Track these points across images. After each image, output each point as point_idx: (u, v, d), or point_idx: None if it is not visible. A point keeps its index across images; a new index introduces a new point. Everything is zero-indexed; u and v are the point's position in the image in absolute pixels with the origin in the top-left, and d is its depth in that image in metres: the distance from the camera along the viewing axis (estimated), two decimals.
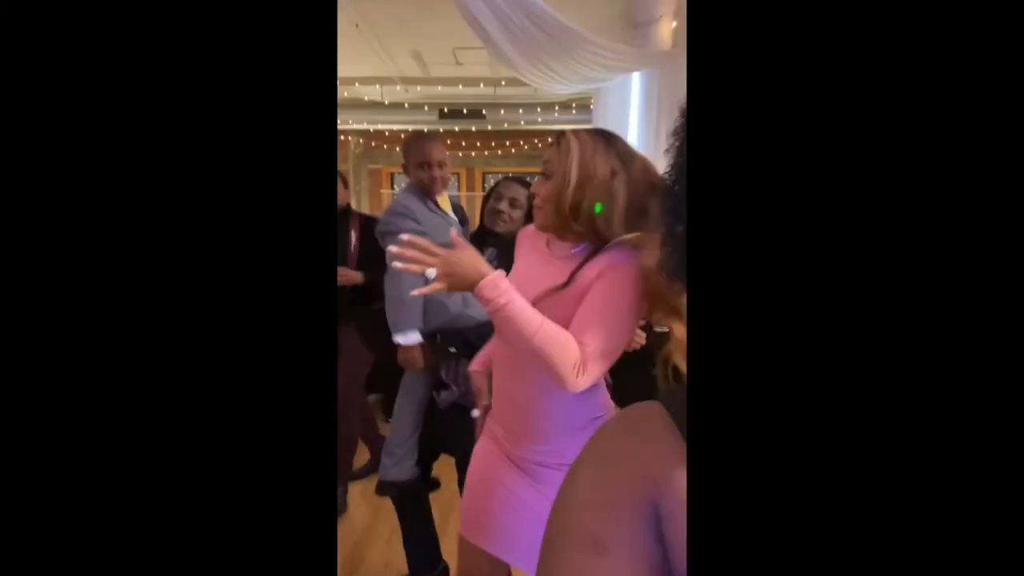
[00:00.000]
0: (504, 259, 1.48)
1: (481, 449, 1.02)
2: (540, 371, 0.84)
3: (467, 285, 0.81)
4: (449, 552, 1.73)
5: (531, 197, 1.48)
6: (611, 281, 0.83)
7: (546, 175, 0.91)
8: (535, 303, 0.87)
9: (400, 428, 1.48)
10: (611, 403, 0.96)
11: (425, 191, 1.46)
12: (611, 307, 0.82)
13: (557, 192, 0.88)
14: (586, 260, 0.87)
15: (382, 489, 1.53)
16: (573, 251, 0.91)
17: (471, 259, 0.83)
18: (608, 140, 0.89)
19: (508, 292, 0.81)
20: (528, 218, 1.48)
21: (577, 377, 0.78)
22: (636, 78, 3.17)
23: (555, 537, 0.30)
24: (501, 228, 1.51)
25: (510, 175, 1.58)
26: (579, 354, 0.78)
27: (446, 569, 1.70)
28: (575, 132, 0.91)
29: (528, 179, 1.47)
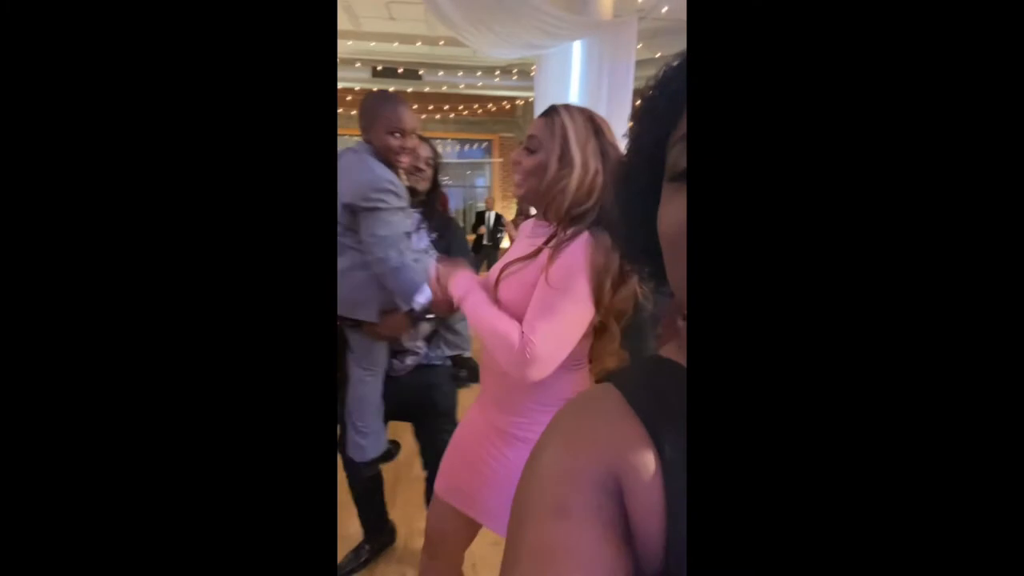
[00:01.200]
0: (431, 220, 1.46)
1: (469, 416, 1.05)
2: None
3: (448, 302, 1.01)
4: (398, 515, 1.80)
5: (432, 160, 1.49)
6: (563, 268, 0.84)
7: (531, 149, 0.91)
8: (501, 272, 0.91)
9: (367, 403, 1.40)
10: (590, 383, 0.98)
11: (391, 162, 1.29)
12: (561, 297, 0.84)
13: (543, 169, 0.89)
14: (552, 238, 0.88)
15: (362, 470, 1.46)
16: (546, 229, 0.92)
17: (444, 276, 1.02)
18: (598, 132, 0.90)
19: (466, 288, 0.93)
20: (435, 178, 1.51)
21: (526, 368, 0.81)
22: (577, 46, 3.15)
23: (521, 507, 0.31)
24: (423, 186, 1.47)
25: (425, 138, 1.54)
26: (519, 346, 0.81)
27: (393, 528, 1.77)
28: (568, 111, 0.89)
29: (467, 145, 1.44)
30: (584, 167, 0.86)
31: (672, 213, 0.31)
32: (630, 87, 3.13)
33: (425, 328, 1.45)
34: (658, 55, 4.17)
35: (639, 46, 3.31)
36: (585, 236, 0.86)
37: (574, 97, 3.14)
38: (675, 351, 0.37)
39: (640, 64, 3.38)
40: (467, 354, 1.61)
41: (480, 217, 6.55)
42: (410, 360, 1.46)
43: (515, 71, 4.98)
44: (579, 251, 0.84)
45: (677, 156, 0.32)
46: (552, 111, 0.90)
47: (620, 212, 0.39)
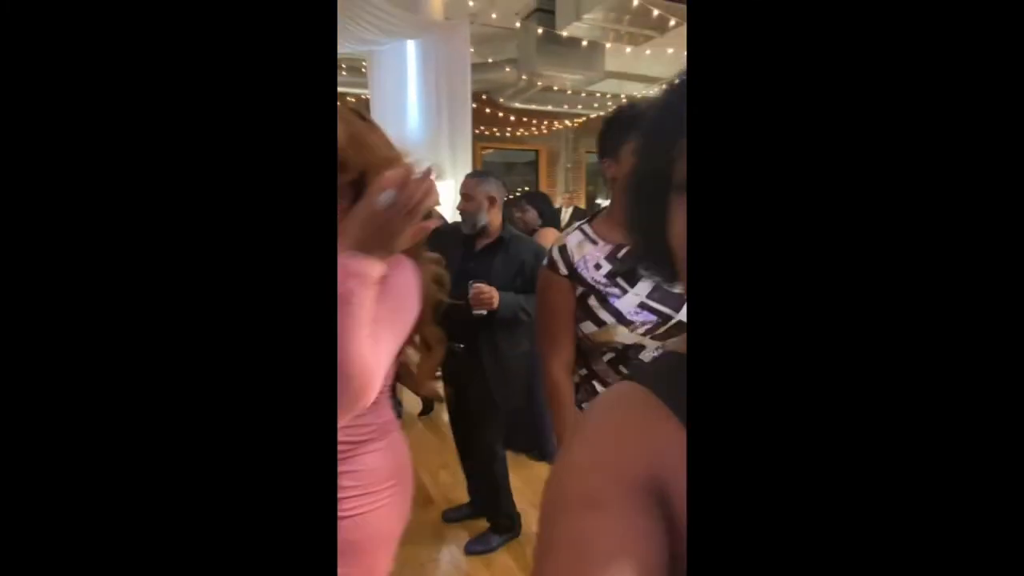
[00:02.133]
0: None
1: None
2: None
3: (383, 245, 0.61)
4: None
5: None
6: (397, 289, 0.70)
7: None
8: None
9: None
10: (391, 414, 0.82)
11: None
12: (397, 317, 0.69)
13: (343, 190, 0.71)
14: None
15: None
16: None
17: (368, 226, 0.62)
18: (368, 122, 0.75)
19: (365, 275, 0.60)
20: None
21: (363, 399, 0.61)
22: (411, 46, 3.10)
23: (551, 502, 0.31)
24: None
25: None
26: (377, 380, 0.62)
27: None
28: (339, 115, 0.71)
29: None
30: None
31: (679, 224, 0.33)
32: (468, 89, 3.17)
33: None
34: (490, 60, 4.31)
35: (471, 50, 3.37)
36: (407, 260, 0.72)
37: (412, 97, 3.08)
38: (682, 344, 0.37)
39: (474, 68, 3.45)
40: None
41: None
42: None
43: (344, 66, 4.71)
44: (408, 273, 0.71)
45: (681, 169, 0.33)
46: None
47: (631, 220, 0.41)
